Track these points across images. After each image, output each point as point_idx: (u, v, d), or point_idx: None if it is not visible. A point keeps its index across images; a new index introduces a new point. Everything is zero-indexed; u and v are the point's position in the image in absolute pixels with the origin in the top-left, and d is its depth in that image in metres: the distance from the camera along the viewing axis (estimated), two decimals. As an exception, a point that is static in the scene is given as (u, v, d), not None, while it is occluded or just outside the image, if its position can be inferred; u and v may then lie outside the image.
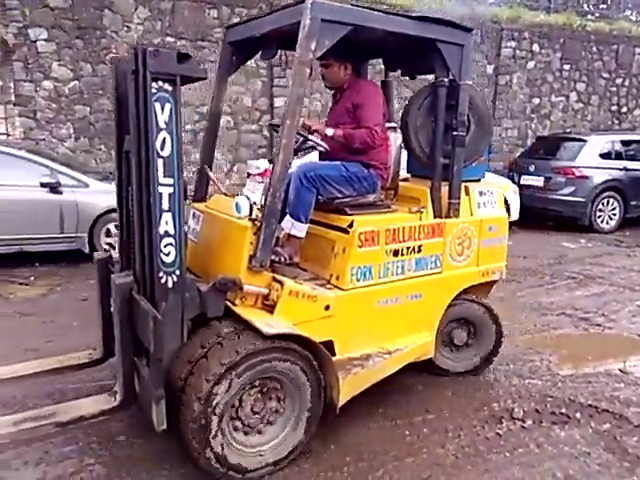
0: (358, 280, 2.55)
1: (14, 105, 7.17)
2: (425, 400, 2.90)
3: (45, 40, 7.16)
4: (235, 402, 2.12)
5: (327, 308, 2.43)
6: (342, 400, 2.38)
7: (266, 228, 2.26)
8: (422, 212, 2.79)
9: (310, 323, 2.39)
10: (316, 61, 2.41)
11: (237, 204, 2.26)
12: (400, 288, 2.69)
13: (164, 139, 2.08)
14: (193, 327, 2.25)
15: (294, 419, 2.27)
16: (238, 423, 2.16)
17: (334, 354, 2.48)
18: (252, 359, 2.06)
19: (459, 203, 2.86)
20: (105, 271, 2.61)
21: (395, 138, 2.98)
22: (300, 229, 2.57)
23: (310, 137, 2.60)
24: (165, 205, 2.12)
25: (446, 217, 2.83)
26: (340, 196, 2.65)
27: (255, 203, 2.31)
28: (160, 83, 2.04)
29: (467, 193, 2.96)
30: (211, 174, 2.85)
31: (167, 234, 2.14)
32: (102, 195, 5.39)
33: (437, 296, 2.86)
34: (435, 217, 2.80)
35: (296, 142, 2.62)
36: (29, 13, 7.03)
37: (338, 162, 2.65)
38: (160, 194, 2.11)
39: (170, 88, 2.06)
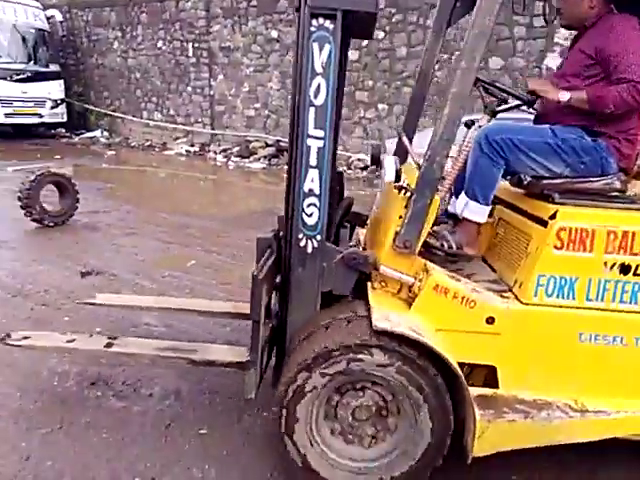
0: (549, 295, 1.79)
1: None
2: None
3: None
4: (333, 398, 1.78)
5: (490, 321, 1.79)
6: (482, 451, 1.72)
7: (416, 201, 1.79)
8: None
9: (464, 335, 1.82)
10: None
11: (385, 166, 1.87)
12: (629, 324, 1.78)
13: (319, 85, 1.85)
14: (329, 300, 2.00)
15: (408, 443, 1.77)
16: (336, 425, 1.81)
17: (496, 386, 1.84)
18: (345, 354, 1.68)
19: None
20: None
21: None
22: (477, 212, 1.96)
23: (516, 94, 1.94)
24: (313, 160, 1.90)
25: None
26: (544, 173, 1.90)
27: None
28: (321, 20, 1.80)
29: None
30: (406, 140, 2.47)
31: (311, 192, 1.92)
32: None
33: None
34: None
35: (497, 101, 2.02)
36: None
37: (546, 125, 1.90)
38: (308, 147, 1.90)
39: (331, 26, 1.80)
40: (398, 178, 1.87)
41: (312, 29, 1.79)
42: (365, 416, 1.76)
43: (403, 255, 1.86)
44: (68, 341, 2.27)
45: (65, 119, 12.82)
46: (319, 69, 1.82)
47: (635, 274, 1.75)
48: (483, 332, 1.81)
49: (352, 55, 8.93)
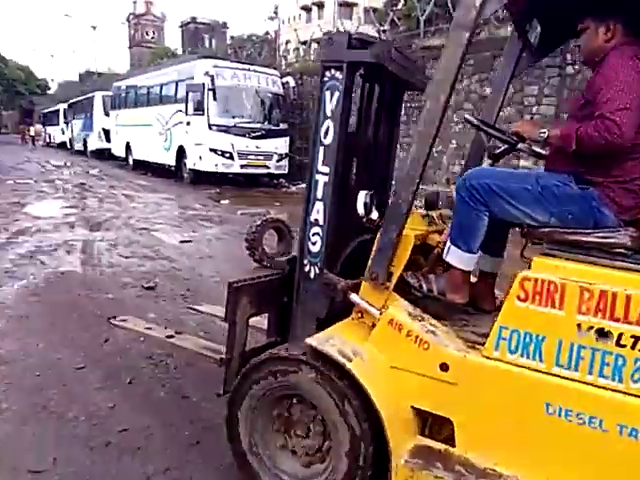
0: (512, 352, 1.59)
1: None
2: None
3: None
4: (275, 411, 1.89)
5: (444, 368, 1.68)
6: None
7: (383, 235, 1.83)
8: None
9: (419, 377, 1.74)
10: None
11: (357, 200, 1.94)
12: (610, 406, 1.46)
13: (328, 127, 2.07)
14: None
15: (332, 467, 1.74)
16: (282, 438, 1.89)
17: (453, 444, 1.69)
18: (272, 365, 1.78)
19: None
20: None
21: None
22: (459, 259, 1.84)
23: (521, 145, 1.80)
24: (319, 193, 2.10)
25: None
26: (530, 222, 1.69)
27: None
28: (332, 71, 2.03)
29: None
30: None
31: (316, 223, 2.12)
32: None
33: None
34: None
35: (502, 147, 1.93)
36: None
37: (534, 171, 1.69)
38: (316, 181, 2.11)
39: (340, 76, 2.03)
40: (368, 211, 1.92)
41: (325, 79, 2.05)
42: (301, 430, 1.82)
43: (377, 288, 1.89)
44: (146, 328, 2.86)
45: (287, 171, 14.96)
46: (329, 113, 2.05)
47: (619, 343, 1.45)
48: (438, 379, 1.70)
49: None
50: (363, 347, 1.81)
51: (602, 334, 1.47)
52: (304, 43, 21.33)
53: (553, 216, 1.67)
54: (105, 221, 7.56)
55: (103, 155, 19.42)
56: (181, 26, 52.48)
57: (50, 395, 2.62)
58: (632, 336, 1.43)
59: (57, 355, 3.09)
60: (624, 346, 1.44)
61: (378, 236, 1.85)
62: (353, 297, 1.91)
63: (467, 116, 1.94)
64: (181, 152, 13.56)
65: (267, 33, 27.72)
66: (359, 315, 1.96)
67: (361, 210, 1.92)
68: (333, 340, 1.78)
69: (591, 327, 1.48)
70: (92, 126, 20.34)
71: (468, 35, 1.65)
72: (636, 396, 1.43)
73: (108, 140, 18.57)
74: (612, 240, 1.58)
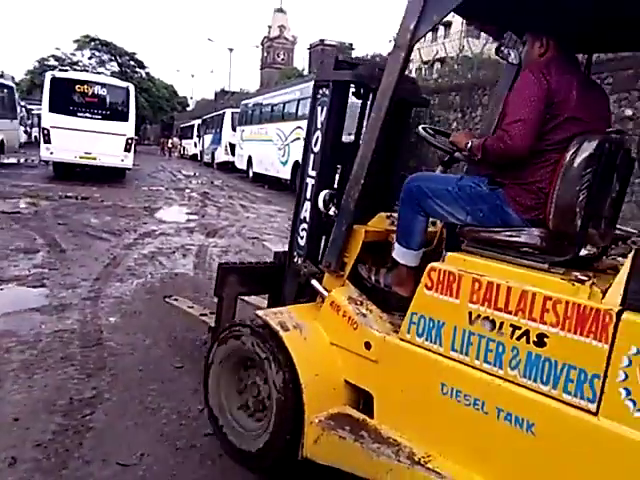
0: (419, 335, 1.76)
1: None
2: None
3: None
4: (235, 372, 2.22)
5: (368, 347, 1.90)
6: (315, 456, 1.84)
7: (335, 228, 2.10)
8: (592, 284, 1.45)
9: (350, 354, 1.97)
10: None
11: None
12: (491, 390, 1.57)
13: (317, 137, 2.40)
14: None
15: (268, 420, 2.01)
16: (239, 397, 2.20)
17: (372, 415, 1.90)
18: (233, 331, 2.12)
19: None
20: None
21: (585, 149, 1.60)
22: (402, 255, 2.01)
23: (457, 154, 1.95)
24: (308, 194, 2.43)
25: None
26: (453, 220, 1.82)
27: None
28: (323, 89, 2.37)
29: None
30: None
31: (305, 220, 2.45)
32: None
33: (573, 454, 1.39)
34: (625, 306, 1.36)
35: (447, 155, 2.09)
36: None
37: (457, 175, 1.81)
38: (306, 184, 2.45)
39: (328, 93, 2.35)
40: (327, 208, 2.19)
41: (317, 96, 2.39)
42: (253, 390, 2.13)
43: (335, 275, 2.16)
44: (189, 307, 3.38)
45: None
46: (319, 125, 2.39)
47: (500, 331, 1.56)
48: (363, 356, 1.92)
49: None
50: (310, 324, 2.09)
51: (487, 322, 1.59)
52: (426, 63, 21.40)
53: (469, 214, 1.81)
54: (220, 229, 7.87)
55: (227, 167, 21.14)
56: (309, 48, 55.34)
57: (148, 391, 2.70)
58: (511, 325, 1.54)
59: (160, 352, 3.22)
60: (504, 334, 1.55)
61: (333, 229, 2.13)
62: (313, 282, 2.20)
63: (419, 128, 2.12)
64: (297, 166, 14.48)
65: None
66: (321, 299, 2.24)
67: (321, 206, 2.21)
68: (281, 314, 2.09)
69: (479, 315, 1.61)
70: (220, 140, 22.27)
71: (404, 54, 1.88)
72: (512, 382, 1.53)
73: (233, 154, 20.30)
74: (517, 239, 1.69)
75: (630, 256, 1.40)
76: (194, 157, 29.03)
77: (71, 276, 4.59)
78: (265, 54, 68.05)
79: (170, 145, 34.12)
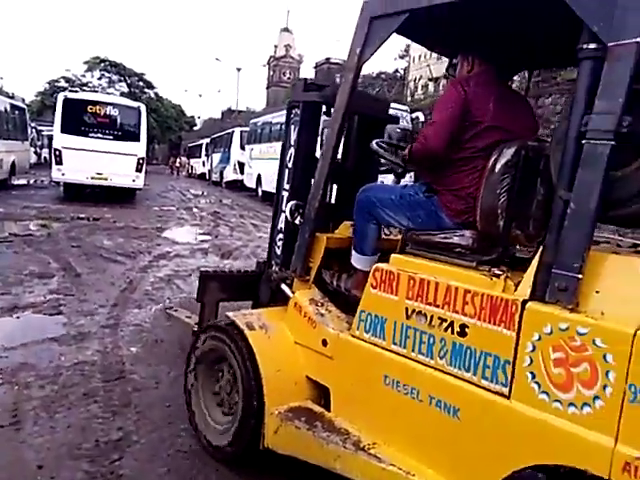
0: (367, 331, 1.94)
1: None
2: None
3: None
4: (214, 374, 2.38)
5: (324, 344, 2.07)
6: (276, 446, 2.01)
7: (299, 236, 2.30)
8: (506, 278, 1.61)
9: (310, 352, 2.15)
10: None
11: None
12: (424, 379, 1.73)
13: (291, 154, 2.60)
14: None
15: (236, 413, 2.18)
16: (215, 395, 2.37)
17: (329, 407, 2.06)
18: (207, 331, 2.32)
19: (578, 280, 1.40)
20: None
21: (504, 156, 1.77)
22: (357, 260, 2.19)
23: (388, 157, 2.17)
24: (283, 206, 2.61)
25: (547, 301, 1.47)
26: (398, 226, 2.01)
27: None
28: (295, 110, 2.58)
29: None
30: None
31: (281, 230, 2.63)
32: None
33: (491, 436, 1.54)
34: (534, 297, 1.52)
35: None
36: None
37: (401, 184, 2.00)
38: (282, 197, 2.64)
39: (299, 112, 2.54)
40: (293, 217, 2.38)
41: (291, 116, 2.61)
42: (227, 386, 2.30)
43: (301, 280, 2.35)
44: (187, 317, 3.55)
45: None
46: (292, 142, 2.59)
47: (431, 324, 1.73)
48: (320, 352, 2.09)
49: None
50: (276, 324, 2.27)
51: (421, 316, 1.76)
52: (432, 80, 21.71)
53: (410, 220, 2.00)
54: (235, 249, 7.78)
55: (236, 186, 21.32)
56: (315, 67, 56.08)
57: (178, 431, 2.48)
58: (439, 317, 1.70)
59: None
60: (434, 326, 1.72)
61: (298, 236, 2.32)
62: (282, 286, 2.39)
63: (372, 142, 2.32)
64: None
65: (396, 71, 28.73)
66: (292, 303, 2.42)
67: (288, 216, 2.41)
68: (250, 316, 2.28)
69: (414, 310, 1.78)
70: (229, 159, 22.51)
71: (352, 76, 2.09)
72: (441, 371, 1.69)
73: (242, 172, 20.59)
74: (451, 241, 1.87)
75: (539, 252, 1.56)
76: (202, 176, 29.27)
77: (88, 302, 4.44)
78: (271, 73, 69.16)
79: (178, 164, 34.75)
